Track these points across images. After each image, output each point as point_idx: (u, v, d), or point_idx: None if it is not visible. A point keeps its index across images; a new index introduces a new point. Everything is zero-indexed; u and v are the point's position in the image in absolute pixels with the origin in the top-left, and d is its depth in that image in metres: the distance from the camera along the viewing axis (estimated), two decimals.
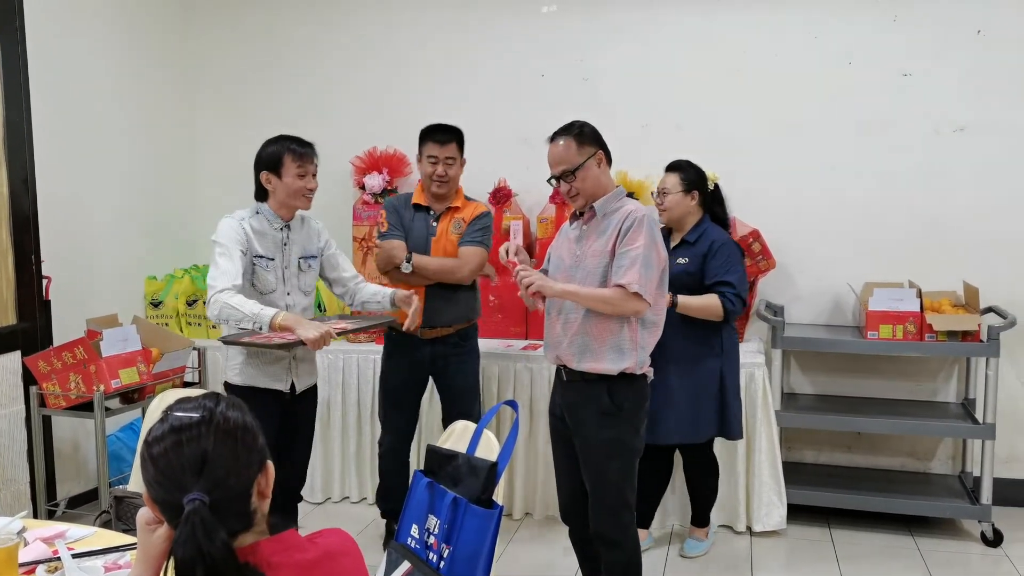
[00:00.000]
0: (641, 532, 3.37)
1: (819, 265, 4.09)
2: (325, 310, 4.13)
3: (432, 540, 1.96)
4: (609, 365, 2.53)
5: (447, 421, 3.42)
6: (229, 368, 2.92)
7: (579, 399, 2.61)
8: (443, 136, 3.34)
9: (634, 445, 2.61)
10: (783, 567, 3.46)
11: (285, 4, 4.62)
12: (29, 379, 3.53)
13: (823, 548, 3.57)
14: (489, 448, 2.08)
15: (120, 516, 2.16)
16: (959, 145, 3.92)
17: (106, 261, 4.13)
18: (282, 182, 2.85)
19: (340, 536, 1.36)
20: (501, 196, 4.18)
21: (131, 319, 3.83)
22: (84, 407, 3.43)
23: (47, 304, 3.75)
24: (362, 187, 4.36)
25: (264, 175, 2.87)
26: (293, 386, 2.93)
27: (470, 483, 1.96)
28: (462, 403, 3.43)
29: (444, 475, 2.04)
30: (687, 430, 3.30)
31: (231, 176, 4.34)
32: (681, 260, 3.28)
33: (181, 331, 4.27)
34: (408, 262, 3.30)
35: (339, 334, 2.76)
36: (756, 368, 3.61)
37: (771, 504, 3.64)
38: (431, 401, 3.73)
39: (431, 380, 3.52)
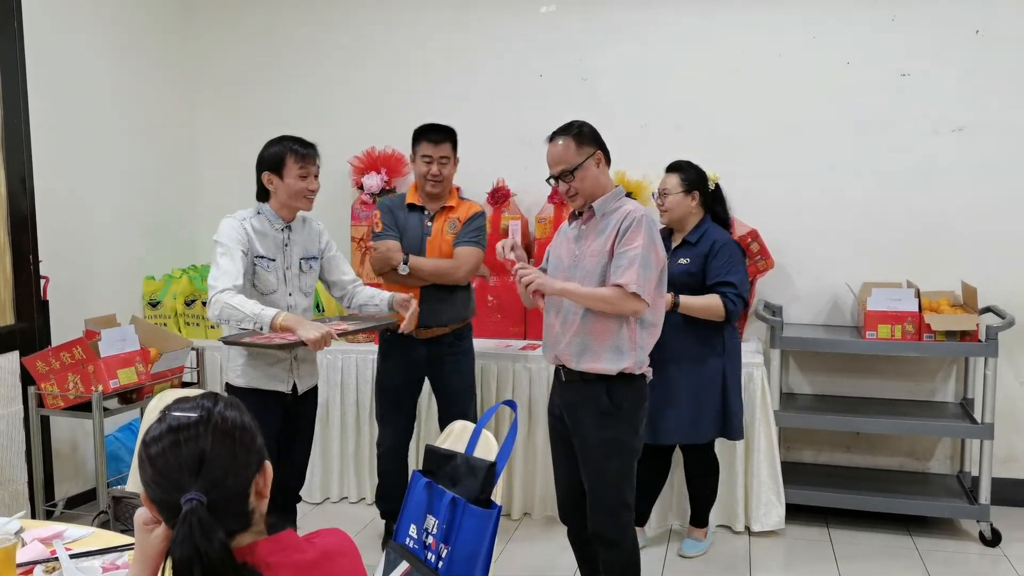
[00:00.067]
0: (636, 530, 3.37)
1: (818, 265, 4.09)
2: (324, 311, 4.13)
3: (430, 540, 1.96)
4: (608, 365, 2.53)
5: (443, 421, 3.43)
6: (231, 370, 2.92)
7: (578, 399, 2.61)
8: (437, 136, 3.34)
9: (633, 445, 2.61)
10: (782, 567, 3.46)
11: (285, 4, 4.62)
12: (27, 379, 3.52)
13: (822, 548, 3.57)
14: (488, 448, 2.08)
15: (118, 516, 2.15)
16: (958, 145, 3.92)
17: (104, 261, 4.12)
18: (284, 183, 2.85)
19: (338, 536, 1.36)
20: (500, 196, 4.18)
21: (129, 319, 3.83)
22: (82, 407, 3.43)
23: (45, 304, 3.74)
24: (360, 187, 4.36)
25: (266, 175, 2.87)
26: (295, 387, 2.93)
27: (469, 483, 1.96)
28: (458, 403, 3.43)
29: (443, 475, 2.04)
30: (688, 430, 3.30)
31: (230, 176, 4.35)
32: (683, 260, 3.28)
33: (179, 331, 4.26)
34: (405, 263, 3.30)
35: (340, 335, 2.76)
36: (755, 368, 3.61)
37: (770, 504, 3.64)
38: (429, 401, 3.73)
39: (427, 380, 3.52)
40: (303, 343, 2.65)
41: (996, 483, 3.61)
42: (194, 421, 1.24)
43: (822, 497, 3.74)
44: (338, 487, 4.08)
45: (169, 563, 1.18)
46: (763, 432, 3.61)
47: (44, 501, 3.57)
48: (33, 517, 3.42)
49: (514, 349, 3.87)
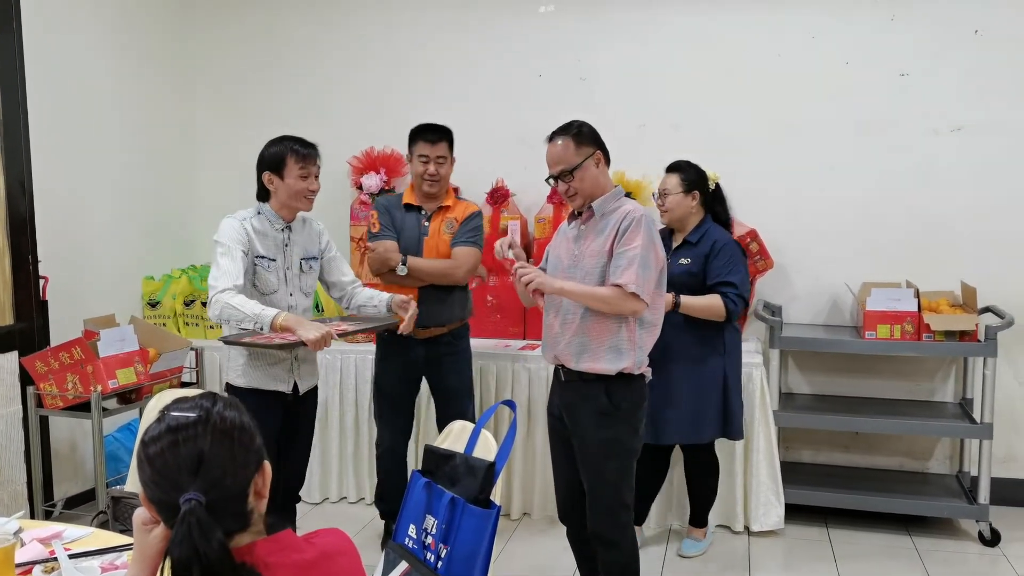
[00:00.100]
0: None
1: (817, 265, 4.09)
2: (323, 311, 4.13)
3: (430, 540, 1.96)
4: (607, 365, 2.53)
5: (441, 421, 3.43)
6: (231, 370, 2.91)
7: (577, 399, 2.61)
8: (433, 135, 3.34)
9: (632, 445, 2.61)
10: (781, 567, 3.46)
11: (285, 4, 4.62)
12: (26, 379, 3.52)
13: (821, 548, 3.58)
14: (487, 448, 2.08)
15: (117, 516, 2.15)
16: (957, 145, 3.92)
17: (103, 261, 4.12)
18: (284, 183, 2.84)
19: (337, 536, 1.36)
20: (499, 196, 4.18)
21: (128, 319, 3.83)
22: (81, 407, 3.42)
23: (44, 304, 3.74)
24: (360, 187, 4.36)
25: (266, 175, 2.86)
26: (296, 387, 2.93)
27: (468, 483, 1.96)
28: (456, 403, 3.43)
29: (442, 475, 2.04)
30: (689, 430, 3.31)
31: (230, 176, 4.35)
32: (683, 261, 3.28)
33: (179, 331, 4.26)
34: (403, 264, 3.29)
35: (339, 335, 2.76)
36: (754, 368, 3.61)
37: (769, 504, 3.64)
38: (428, 401, 3.73)
39: (424, 380, 3.52)
40: (303, 343, 2.65)
41: (995, 483, 3.61)
42: (193, 421, 1.24)
43: (821, 497, 3.74)
44: (337, 487, 4.08)
45: (168, 563, 1.18)
46: (762, 432, 3.61)
47: (43, 501, 3.58)
48: (32, 517, 3.42)
49: (513, 349, 3.87)
